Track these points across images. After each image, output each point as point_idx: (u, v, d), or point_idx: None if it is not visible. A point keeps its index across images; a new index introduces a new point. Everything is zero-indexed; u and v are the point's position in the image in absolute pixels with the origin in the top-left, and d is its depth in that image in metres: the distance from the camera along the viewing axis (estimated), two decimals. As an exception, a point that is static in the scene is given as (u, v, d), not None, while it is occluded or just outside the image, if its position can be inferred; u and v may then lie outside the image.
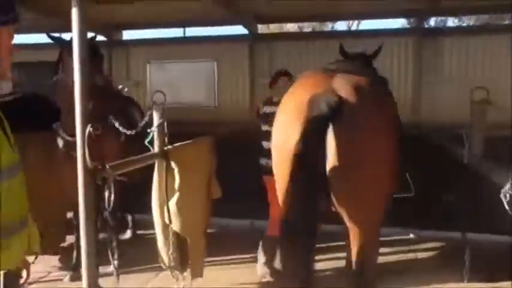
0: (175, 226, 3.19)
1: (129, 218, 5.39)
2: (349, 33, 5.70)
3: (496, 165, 2.43)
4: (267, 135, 3.61)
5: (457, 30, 7.08)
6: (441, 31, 5.90)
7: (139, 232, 5.30)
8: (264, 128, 3.96)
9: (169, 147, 3.12)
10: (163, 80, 6.22)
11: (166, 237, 3.24)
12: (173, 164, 3.15)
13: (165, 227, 3.20)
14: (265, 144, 3.90)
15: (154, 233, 3.31)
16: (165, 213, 3.14)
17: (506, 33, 4.98)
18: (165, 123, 3.06)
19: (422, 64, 5.12)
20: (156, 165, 3.11)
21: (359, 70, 2.74)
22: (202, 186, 3.58)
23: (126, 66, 6.39)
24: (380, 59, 3.53)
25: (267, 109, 3.98)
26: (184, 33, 6.83)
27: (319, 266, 3.46)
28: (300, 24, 12.94)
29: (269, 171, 3.34)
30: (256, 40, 6.01)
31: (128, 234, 5.35)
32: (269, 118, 3.55)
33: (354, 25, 15.83)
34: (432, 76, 5.14)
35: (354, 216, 2.32)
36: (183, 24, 6.50)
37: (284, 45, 5.87)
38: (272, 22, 6.92)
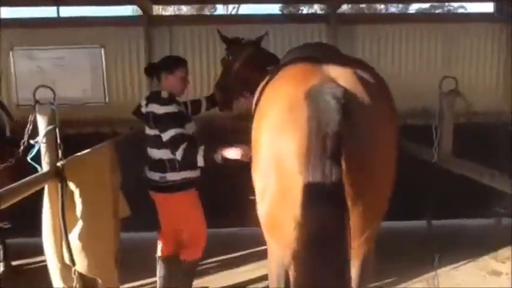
0: (81, 267, 2.38)
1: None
2: (257, 17, 5.18)
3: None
4: (156, 142, 2.97)
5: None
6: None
7: (16, 263, 4.16)
8: (151, 131, 2.99)
9: (63, 162, 2.27)
10: (33, 71, 5.00)
11: (66, 281, 2.39)
12: (72, 185, 2.32)
13: (66, 270, 2.36)
14: (154, 153, 3.02)
15: (39, 261, 2.43)
16: (64, 252, 2.31)
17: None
18: (57, 130, 2.21)
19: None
20: (46, 189, 2.25)
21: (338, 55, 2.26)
22: (108, 206, 2.80)
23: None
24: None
25: (156, 108, 2.93)
26: (58, 13, 5.57)
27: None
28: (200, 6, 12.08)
29: (160, 187, 3.05)
30: (155, 23, 5.17)
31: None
32: (156, 120, 2.93)
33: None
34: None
35: (362, 229, 1.88)
36: (57, 2, 5.25)
37: (185, 29, 5.15)
38: (169, 4, 6.08)
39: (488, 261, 4.00)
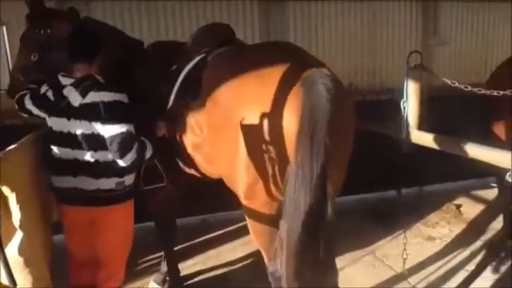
0: (23, 285, 1.98)
1: None
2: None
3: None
4: (62, 140, 2.21)
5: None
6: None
7: None
8: (59, 126, 2.22)
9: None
10: None
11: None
12: (6, 189, 1.91)
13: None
14: (61, 152, 2.23)
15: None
16: (1, 272, 1.89)
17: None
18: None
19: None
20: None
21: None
22: (44, 211, 2.35)
23: None
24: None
25: (106, 96, 2.18)
26: None
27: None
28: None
29: (69, 198, 2.26)
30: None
31: None
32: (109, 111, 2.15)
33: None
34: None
35: None
36: None
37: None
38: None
39: (420, 228, 4.28)
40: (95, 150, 2.21)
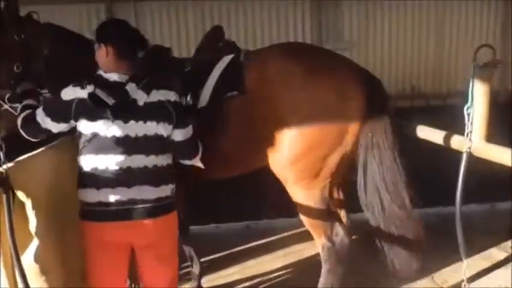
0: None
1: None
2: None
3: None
4: (115, 146, 1.91)
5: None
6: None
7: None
8: (112, 131, 1.93)
9: (10, 165, 1.78)
10: None
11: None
12: (22, 195, 1.84)
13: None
14: (112, 161, 1.91)
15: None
16: (16, 280, 1.83)
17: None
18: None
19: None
20: (-12, 202, 1.75)
21: None
22: (71, 216, 2.27)
23: None
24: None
25: (169, 95, 2.05)
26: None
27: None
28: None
29: (120, 214, 1.93)
30: None
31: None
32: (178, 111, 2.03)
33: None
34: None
35: None
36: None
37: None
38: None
39: (491, 251, 3.75)
40: (156, 155, 1.98)
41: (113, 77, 1.94)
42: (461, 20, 4.94)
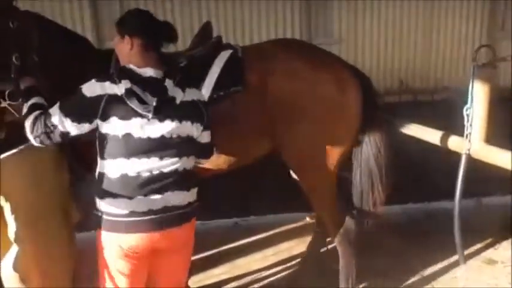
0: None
1: None
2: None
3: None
4: (147, 148, 1.75)
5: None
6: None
7: None
8: (145, 132, 1.76)
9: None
10: None
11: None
12: (1, 199, 1.72)
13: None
14: (143, 165, 1.76)
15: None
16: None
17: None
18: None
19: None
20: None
21: None
22: (55, 217, 2.17)
23: None
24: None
25: (198, 94, 2.02)
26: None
27: None
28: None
29: (151, 223, 1.77)
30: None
31: None
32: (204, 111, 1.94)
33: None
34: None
35: None
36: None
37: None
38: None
39: (478, 249, 3.74)
40: (187, 157, 1.85)
41: (148, 72, 1.76)
42: (449, 15, 4.93)
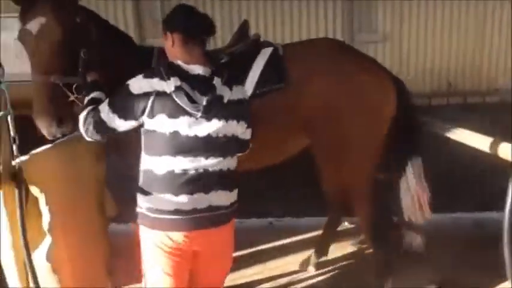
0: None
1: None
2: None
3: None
4: (195, 147, 1.72)
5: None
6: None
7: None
8: (193, 130, 1.73)
9: (23, 159, 1.69)
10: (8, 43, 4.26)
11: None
12: (35, 190, 1.76)
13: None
14: (192, 163, 1.73)
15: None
16: (28, 278, 1.75)
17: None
18: (10, 117, 1.62)
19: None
20: (1, 197, 1.68)
21: None
22: (90, 211, 2.23)
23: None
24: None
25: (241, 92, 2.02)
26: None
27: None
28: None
29: (195, 222, 1.75)
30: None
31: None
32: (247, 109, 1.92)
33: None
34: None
35: None
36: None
37: None
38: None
39: None
40: (232, 156, 1.84)
41: (196, 69, 1.73)
42: (504, 13, 4.61)
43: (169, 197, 1.69)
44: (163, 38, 1.82)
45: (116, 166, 2.52)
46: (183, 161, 1.69)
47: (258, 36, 2.63)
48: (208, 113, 1.69)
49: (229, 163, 1.81)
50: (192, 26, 1.77)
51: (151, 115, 1.67)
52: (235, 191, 1.87)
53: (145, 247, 1.79)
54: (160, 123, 1.67)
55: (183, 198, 1.70)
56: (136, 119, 1.70)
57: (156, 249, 1.75)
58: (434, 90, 4.53)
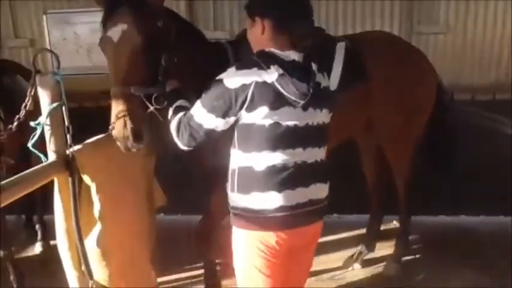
0: (102, 279, 1.92)
1: (37, 222, 3.90)
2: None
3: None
4: (295, 137, 1.65)
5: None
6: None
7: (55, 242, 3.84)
8: (295, 119, 1.65)
9: (76, 148, 1.77)
10: (68, 37, 4.46)
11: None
12: (87, 178, 1.83)
13: (85, 281, 1.90)
14: (292, 156, 1.65)
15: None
16: (81, 262, 1.83)
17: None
18: (65, 107, 1.69)
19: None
20: (56, 184, 1.76)
21: None
22: (139, 201, 2.28)
23: (12, 19, 4.51)
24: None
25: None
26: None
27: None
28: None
29: (298, 217, 1.67)
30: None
31: (38, 247, 3.89)
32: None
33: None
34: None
35: None
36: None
37: None
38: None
39: None
40: (324, 147, 1.74)
41: (292, 55, 1.60)
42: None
43: (272, 194, 1.60)
44: (249, 26, 1.66)
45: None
46: (283, 154, 1.59)
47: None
48: (310, 101, 1.57)
49: (322, 154, 1.72)
50: (287, 7, 1.60)
51: (251, 108, 1.55)
52: (328, 183, 1.78)
53: (241, 249, 1.71)
54: (259, 116, 1.56)
55: (286, 194, 1.61)
56: (235, 114, 1.58)
57: (255, 251, 1.65)
58: (501, 84, 4.18)
